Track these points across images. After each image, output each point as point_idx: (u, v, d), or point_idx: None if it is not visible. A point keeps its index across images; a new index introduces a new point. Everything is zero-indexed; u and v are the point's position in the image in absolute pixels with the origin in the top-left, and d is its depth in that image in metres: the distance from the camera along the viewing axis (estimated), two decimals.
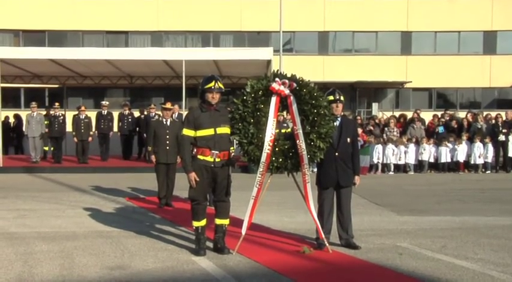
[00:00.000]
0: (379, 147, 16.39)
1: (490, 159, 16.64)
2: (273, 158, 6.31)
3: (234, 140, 6.39)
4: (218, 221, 6.44)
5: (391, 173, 16.49)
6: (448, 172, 16.56)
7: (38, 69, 19.12)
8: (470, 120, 17.84)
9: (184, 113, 17.88)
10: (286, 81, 6.34)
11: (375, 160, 16.36)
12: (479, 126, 17.26)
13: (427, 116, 19.44)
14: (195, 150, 6.37)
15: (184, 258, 6.11)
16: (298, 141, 6.25)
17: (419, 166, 16.73)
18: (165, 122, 9.96)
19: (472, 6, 29.14)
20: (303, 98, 6.33)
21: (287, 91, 6.32)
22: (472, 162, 16.63)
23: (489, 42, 29.97)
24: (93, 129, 17.46)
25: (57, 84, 22.05)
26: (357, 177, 6.72)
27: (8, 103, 22.69)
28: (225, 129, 6.32)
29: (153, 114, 16.89)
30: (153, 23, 29.21)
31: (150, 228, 7.83)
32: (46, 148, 18.26)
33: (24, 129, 18.81)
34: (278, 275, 5.48)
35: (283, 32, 22.67)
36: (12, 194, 11.36)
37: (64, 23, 28.92)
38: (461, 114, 19.90)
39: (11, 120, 21.34)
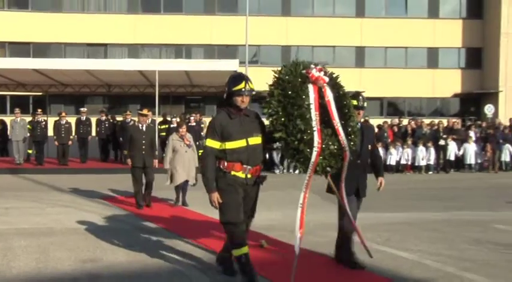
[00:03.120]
0: None
1: (432, 162, 16.99)
2: (320, 157, 4.81)
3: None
4: None
5: None
6: (395, 173, 16.83)
7: (23, 78, 18.74)
8: (414, 126, 18.21)
9: (158, 119, 17.78)
10: (322, 67, 4.97)
11: None
12: (423, 132, 17.62)
13: (379, 122, 19.70)
14: (225, 164, 4.79)
15: (154, 253, 6.04)
16: (340, 137, 4.92)
17: None
18: (141, 127, 9.72)
19: (417, 25, 29.91)
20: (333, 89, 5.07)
21: (327, 78, 4.95)
22: (416, 164, 16.95)
23: (432, 58, 30.77)
24: (73, 134, 17.26)
25: (41, 92, 21.62)
26: (380, 179, 5.83)
27: None
28: (257, 139, 4.86)
29: (129, 120, 16.70)
30: (130, 36, 28.96)
31: (125, 226, 7.75)
32: (30, 151, 17.98)
33: (8, 133, 18.45)
34: None
35: (249, 45, 22.87)
36: None
37: (48, 35, 28.46)
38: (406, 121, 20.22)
39: None
